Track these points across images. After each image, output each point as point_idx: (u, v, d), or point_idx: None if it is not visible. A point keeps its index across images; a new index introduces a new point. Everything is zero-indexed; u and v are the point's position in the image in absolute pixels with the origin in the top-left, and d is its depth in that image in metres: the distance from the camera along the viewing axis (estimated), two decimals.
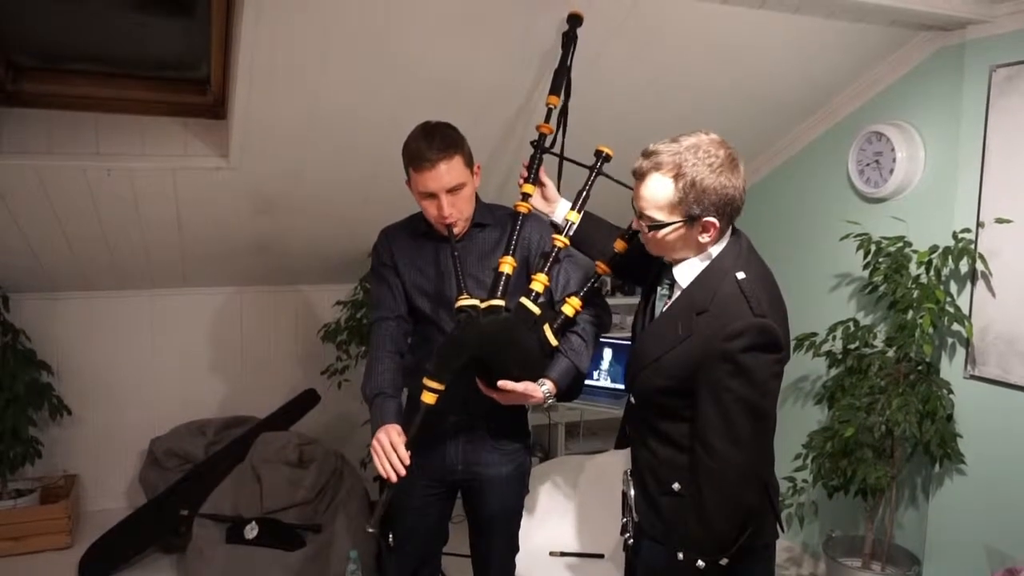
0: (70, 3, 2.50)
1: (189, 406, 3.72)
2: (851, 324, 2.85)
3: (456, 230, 1.87)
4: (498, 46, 2.36)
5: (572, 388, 1.88)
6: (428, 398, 1.74)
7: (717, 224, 1.49)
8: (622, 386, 3.53)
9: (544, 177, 2.00)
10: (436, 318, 1.95)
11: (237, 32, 2.16)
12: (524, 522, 2.17)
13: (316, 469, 3.08)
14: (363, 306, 3.41)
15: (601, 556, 2.83)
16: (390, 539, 2.08)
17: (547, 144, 2.06)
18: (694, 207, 1.47)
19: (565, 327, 1.83)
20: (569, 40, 2.19)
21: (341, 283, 3.79)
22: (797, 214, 3.32)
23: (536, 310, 1.77)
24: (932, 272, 2.61)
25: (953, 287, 2.67)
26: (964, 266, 2.63)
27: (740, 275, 1.49)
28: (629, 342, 3.11)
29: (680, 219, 1.49)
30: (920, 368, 2.69)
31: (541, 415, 3.89)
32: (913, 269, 2.68)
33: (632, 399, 1.69)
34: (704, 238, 1.52)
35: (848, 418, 2.65)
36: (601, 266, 1.85)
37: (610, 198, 2.08)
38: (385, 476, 1.72)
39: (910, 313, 2.60)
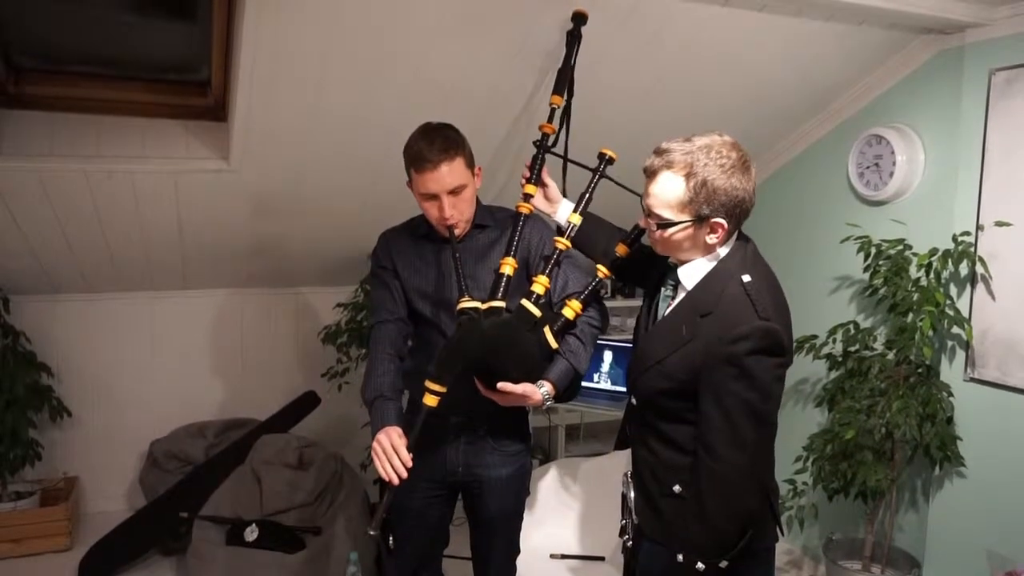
0: (72, 5, 2.51)
1: (189, 408, 3.72)
2: (851, 327, 2.85)
3: (457, 231, 1.87)
4: (499, 47, 2.36)
5: (571, 388, 1.88)
6: (430, 400, 1.74)
7: (725, 225, 1.50)
8: (622, 388, 3.53)
9: (546, 178, 2.00)
10: (436, 320, 1.95)
11: (238, 34, 2.16)
12: (524, 524, 2.17)
13: (316, 471, 3.07)
14: (363, 308, 3.41)
15: (602, 559, 2.83)
16: (390, 541, 2.08)
17: (550, 144, 2.06)
18: (704, 207, 1.47)
19: (565, 329, 1.84)
20: (573, 39, 2.19)
21: (341, 285, 3.79)
22: (797, 217, 3.33)
23: (537, 312, 1.77)
24: (932, 275, 2.61)
25: (953, 290, 2.68)
26: (964, 269, 2.63)
27: (746, 278, 1.50)
28: (630, 344, 3.11)
29: (689, 218, 1.49)
30: (920, 371, 2.69)
31: (541, 417, 3.89)
32: (913, 272, 2.68)
33: (633, 400, 1.69)
34: (711, 239, 1.52)
35: (848, 420, 2.65)
36: (601, 269, 1.85)
37: (612, 201, 2.08)
38: (387, 479, 1.71)
39: (910, 316, 2.61)
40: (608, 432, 4.21)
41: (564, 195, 2.02)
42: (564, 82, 2.16)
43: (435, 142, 1.78)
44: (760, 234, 1.69)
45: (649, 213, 1.54)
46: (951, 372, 2.70)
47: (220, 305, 3.83)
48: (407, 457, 1.72)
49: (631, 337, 1.86)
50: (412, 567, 2.10)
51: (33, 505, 3.33)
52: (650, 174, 1.53)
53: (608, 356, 3.60)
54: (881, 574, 2.76)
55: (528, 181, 1.97)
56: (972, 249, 2.58)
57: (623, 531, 1.78)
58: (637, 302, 4.06)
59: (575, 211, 1.93)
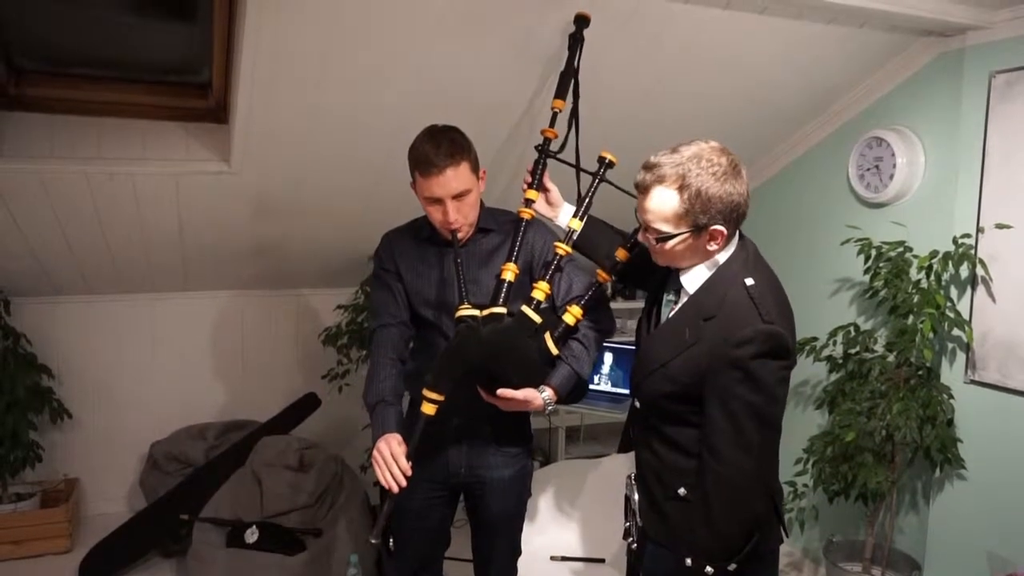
0: (73, 7, 2.51)
1: (189, 410, 3.72)
2: (852, 329, 2.85)
3: (460, 235, 1.87)
4: (501, 50, 2.36)
5: (575, 393, 1.88)
6: (428, 409, 1.74)
7: (725, 232, 1.50)
8: (623, 390, 3.53)
9: (548, 182, 2.00)
10: (439, 323, 1.95)
11: (239, 36, 2.16)
12: (525, 526, 2.17)
13: (317, 473, 3.07)
14: (364, 310, 3.41)
15: (602, 561, 2.83)
16: (391, 543, 2.08)
17: (555, 149, 2.05)
18: (701, 216, 1.47)
19: (567, 334, 1.83)
20: (576, 41, 2.19)
21: (342, 287, 3.79)
22: (797, 219, 3.33)
23: (537, 318, 1.77)
24: (932, 277, 2.62)
25: (953, 292, 2.68)
26: (964, 271, 2.63)
27: (749, 281, 1.50)
28: (630, 347, 3.11)
29: (687, 229, 1.49)
30: (920, 373, 2.69)
31: (542, 419, 3.89)
32: (913, 274, 2.68)
33: (637, 403, 1.69)
34: (712, 246, 1.52)
35: (849, 423, 2.65)
36: (601, 274, 1.85)
37: (614, 204, 2.08)
38: (387, 487, 1.72)
39: (910, 318, 2.61)
40: (608, 434, 4.21)
41: (575, 199, 2.02)
42: (567, 86, 2.15)
43: (441, 146, 1.77)
44: (760, 236, 1.69)
45: (647, 227, 1.54)
46: (951, 374, 2.70)
47: (221, 307, 3.83)
48: (406, 465, 1.72)
49: (632, 339, 1.86)
50: (413, 569, 2.10)
51: (33, 507, 3.33)
52: (643, 190, 1.52)
53: (608, 358, 3.60)
54: None
55: (530, 186, 1.96)
56: (972, 251, 2.58)
57: (627, 533, 1.78)
58: (637, 304, 4.07)
59: (575, 216, 1.93)
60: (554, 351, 1.79)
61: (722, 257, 1.55)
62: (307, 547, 2.85)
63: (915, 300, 2.61)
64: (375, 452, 1.76)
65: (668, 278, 1.67)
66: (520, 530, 2.14)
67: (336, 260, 3.61)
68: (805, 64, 2.77)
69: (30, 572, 3.16)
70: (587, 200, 1.95)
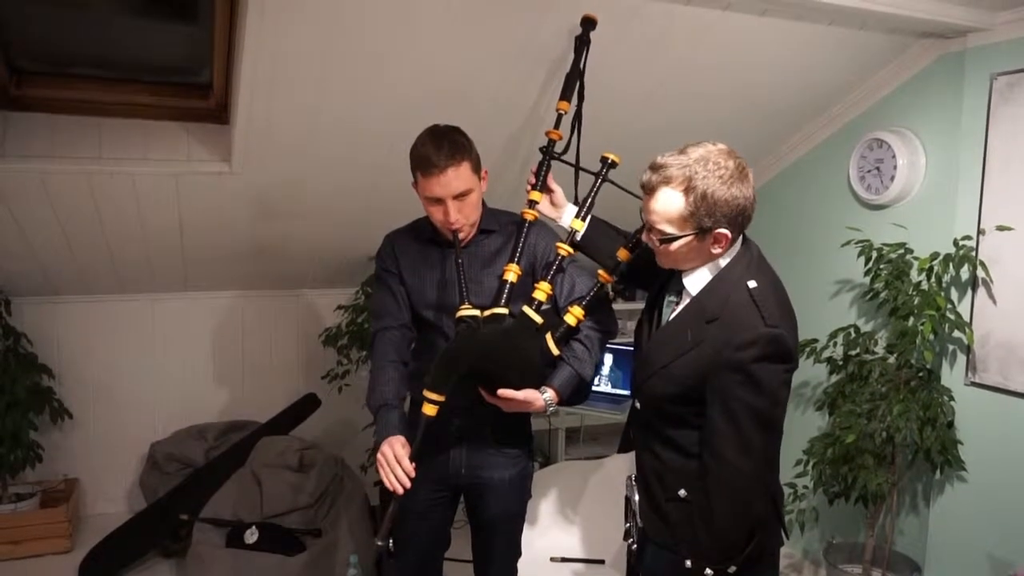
0: (74, 8, 2.51)
1: (190, 410, 3.72)
2: (852, 330, 2.85)
3: (461, 236, 1.87)
4: (502, 51, 2.37)
5: (577, 394, 1.88)
6: (429, 410, 1.74)
7: (729, 235, 1.49)
8: (623, 391, 3.52)
9: (552, 183, 2.00)
10: (440, 324, 1.95)
11: (240, 37, 2.16)
12: (525, 527, 2.17)
13: (316, 474, 3.07)
14: (364, 311, 3.41)
15: (602, 562, 2.83)
16: (390, 544, 2.08)
17: (558, 150, 2.05)
18: (705, 219, 1.47)
19: (568, 335, 1.83)
20: (582, 44, 2.19)
21: (342, 287, 3.79)
22: (798, 220, 3.33)
23: (538, 319, 1.77)
24: (933, 279, 2.61)
25: (954, 294, 2.68)
26: (965, 273, 2.63)
27: (752, 284, 1.49)
28: (631, 348, 3.10)
29: (692, 232, 1.49)
30: (921, 375, 2.69)
31: (541, 420, 3.88)
32: (914, 276, 2.68)
33: (637, 404, 1.69)
34: (716, 249, 1.51)
35: (849, 424, 2.65)
36: (603, 274, 1.85)
37: (617, 205, 2.08)
38: (392, 489, 1.72)
39: (911, 320, 2.61)
40: (608, 435, 4.21)
41: (575, 201, 2.02)
42: (572, 87, 2.15)
43: (442, 146, 1.77)
44: (761, 237, 1.69)
45: (651, 228, 1.54)
46: (952, 376, 2.70)
47: (221, 307, 3.83)
48: (410, 468, 1.73)
49: (631, 340, 1.86)
50: (413, 569, 2.10)
51: (33, 507, 3.33)
52: (648, 190, 1.52)
53: (608, 359, 3.59)
54: None
55: (533, 187, 1.96)
56: (973, 253, 2.58)
57: (627, 534, 1.78)
58: (637, 305, 4.06)
59: (577, 216, 1.93)
60: (555, 351, 1.79)
61: (725, 259, 1.55)
62: (307, 547, 2.85)
63: (916, 302, 2.60)
64: (379, 455, 1.76)
65: (670, 279, 1.67)
66: (520, 531, 2.14)
67: (336, 260, 3.61)
68: (806, 66, 2.77)
69: (30, 572, 3.16)
70: (589, 200, 1.95)
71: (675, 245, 1.52)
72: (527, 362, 1.75)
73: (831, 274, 3.15)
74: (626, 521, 1.80)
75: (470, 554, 2.16)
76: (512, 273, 1.82)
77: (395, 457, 1.73)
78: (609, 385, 3.59)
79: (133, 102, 2.72)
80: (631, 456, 1.81)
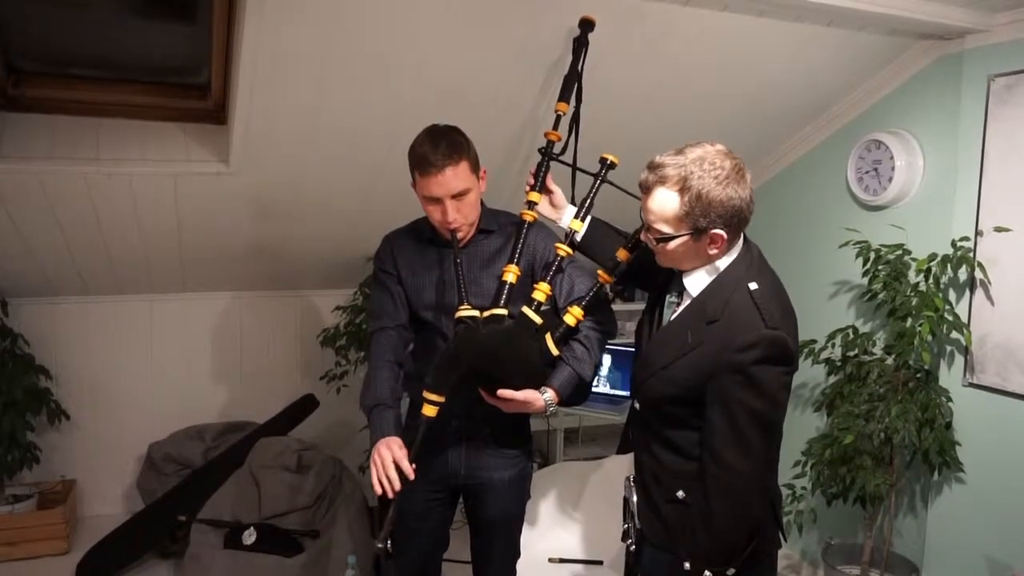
0: (72, 8, 2.50)
1: (188, 411, 3.71)
2: (850, 331, 2.85)
3: (460, 235, 1.87)
4: (501, 51, 2.37)
5: (577, 395, 1.88)
6: (429, 411, 1.74)
7: (724, 236, 1.49)
8: (622, 392, 3.53)
9: (551, 184, 2.00)
10: (439, 325, 1.95)
11: (238, 37, 2.16)
12: (524, 527, 2.17)
13: (315, 475, 3.07)
14: (363, 311, 3.41)
15: (600, 563, 2.83)
16: (389, 545, 2.07)
17: (557, 151, 2.06)
18: (700, 219, 1.47)
19: (568, 335, 1.83)
20: (580, 45, 2.19)
21: (341, 288, 3.78)
22: (796, 221, 3.33)
23: (537, 319, 1.77)
24: (931, 280, 2.62)
25: (952, 295, 2.68)
26: (963, 274, 2.63)
27: (753, 286, 1.49)
28: (629, 348, 3.10)
29: (687, 231, 1.49)
30: (919, 376, 2.69)
31: (539, 421, 3.88)
32: (912, 277, 2.68)
33: (637, 405, 1.69)
34: (712, 250, 1.52)
35: (847, 425, 2.65)
36: (603, 275, 1.85)
37: (616, 206, 2.08)
38: (380, 492, 1.71)
39: (909, 321, 2.61)
40: (606, 436, 4.21)
41: (572, 202, 2.02)
42: (571, 89, 2.15)
43: (440, 146, 1.78)
44: (759, 238, 1.69)
45: (648, 228, 1.54)
46: (950, 377, 2.70)
47: (219, 308, 3.82)
48: (408, 469, 1.72)
49: (630, 341, 1.86)
50: (412, 570, 2.10)
51: (31, 508, 3.32)
52: (645, 189, 1.52)
53: (607, 360, 3.59)
54: None
55: (532, 188, 1.96)
56: (971, 254, 2.58)
57: (625, 535, 1.78)
58: (636, 306, 4.07)
59: (576, 217, 1.93)
60: (555, 351, 1.79)
61: (726, 261, 1.55)
62: (305, 548, 2.85)
63: (914, 303, 2.61)
64: (374, 455, 1.75)
65: (671, 280, 1.67)
66: (519, 532, 2.14)
67: (335, 261, 3.61)
68: (804, 67, 2.78)
69: (27, 574, 3.15)
70: (588, 201, 1.95)
71: (671, 245, 1.52)
72: (527, 362, 1.75)
73: (829, 275, 3.15)
74: (624, 522, 1.80)
75: (469, 555, 2.16)
76: (511, 274, 1.82)
77: (393, 459, 1.72)
78: (608, 386, 3.59)
79: (131, 102, 2.72)
80: (630, 457, 1.81)
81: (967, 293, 2.64)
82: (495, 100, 2.58)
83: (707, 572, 1.49)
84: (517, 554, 2.16)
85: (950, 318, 2.59)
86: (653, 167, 1.50)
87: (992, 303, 2.57)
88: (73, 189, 2.71)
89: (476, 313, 1.75)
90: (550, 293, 1.84)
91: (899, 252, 2.73)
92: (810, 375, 3.18)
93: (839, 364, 2.87)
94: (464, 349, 1.71)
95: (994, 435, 2.57)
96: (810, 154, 3.28)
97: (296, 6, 2.00)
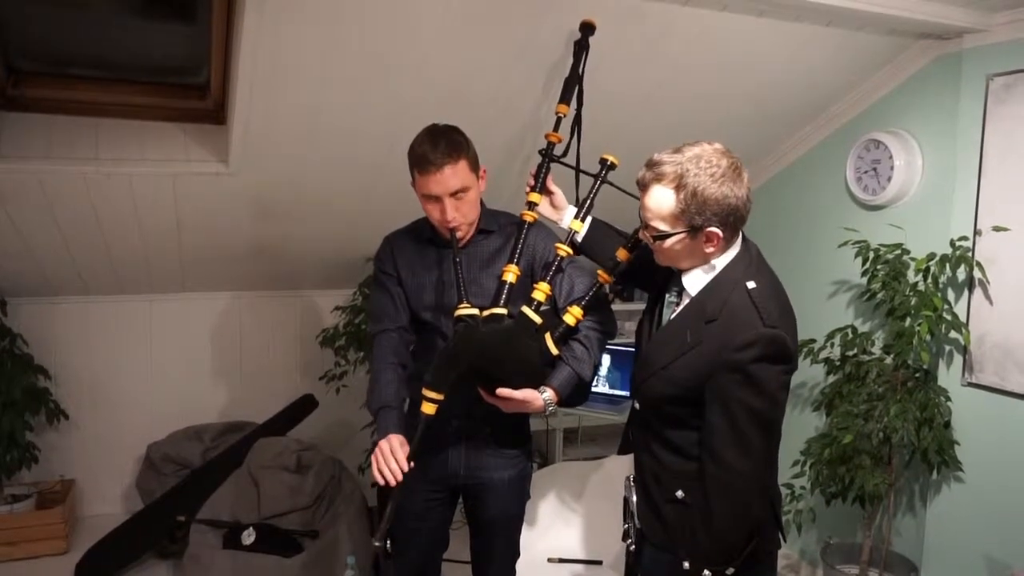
0: (71, 8, 2.50)
1: (187, 411, 3.71)
2: (849, 331, 2.85)
3: (459, 234, 1.87)
4: (501, 52, 2.37)
5: (577, 394, 1.88)
6: (428, 408, 1.74)
7: (720, 234, 1.49)
8: (621, 392, 3.53)
9: (552, 185, 2.00)
10: (439, 325, 1.95)
11: (238, 37, 2.16)
12: (523, 528, 2.17)
13: (314, 475, 3.07)
14: (362, 311, 3.41)
15: (599, 563, 2.83)
16: (388, 545, 2.08)
17: (558, 153, 2.06)
18: (696, 217, 1.47)
19: (567, 335, 1.83)
20: (581, 48, 2.20)
21: (340, 288, 3.78)
22: (795, 221, 3.33)
23: (537, 319, 1.77)
24: (930, 279, 2.62)
25: (951, 295, 2.68)
26: (962, 274, 2.64)
27: (751, 284, 1.50)
28: (629, 348, 3.10)
29: (683, 229, 1.49)
30: (918, 375, 2.70)
31: (539, 421, 3.89)
32: (911, 276, 2.68)
33: (637, 405, 1.69)
34: (708, 248, 1.52)
35: (846, 425, 2.65)
36: (602, 275, 1.85)
37: (616, 207, 2.08)
38: (382, 482, 1.73)
39: (908, 320, 2.61)
40: (606, 436, 4.21)
41: (575, 204, 2.02)
42: (571, 91, 2.15)
43: (439, 145, 1.79)
44: (758, 238, 1.69)
45: (646, 225, 1.55)
46: (949, 377, 2.71)
47: (218, 308, 3.82)
48: (403, 461, 1.73)
49: (629, 341, 1.87)
50: (412, 570, 2.10)
51: (30, 508, 3.32)
52: (642, 187, 1.53)
53: (607, 360, 3.60)
54: None
55: (532, 189, 1.97)
56: (970, 254, 2.59)
57: (626, 535, 1.78)
58: (635, 306, 4.07)
59: (576, 217, 1.94)
60: (554, 351, 1.79)
61: (725, 260, 1.55)
62: (304, 549, 2.85)
63: (912, 302, 2.61)
64: (376, 449, 1.77)
65: (670, 279, 1.67)
66: (519, 532, 2.14)
67: (334, 261, 3.61)
68: (803, 67, 2.78)
69: (26, 574, 3.15)
70: (588, 201, 1.95)
71: (667, 243, 1.52)
72: (526, 362, 1.75)
73: (828, 275, 3.16)
74: (624, 522, 1.80)
75: (468, 555, 2.16)
76: (511, 274, 1.82)
77: (391, 451, 1.74)
78: (607, 386, 3.59)
79: (130, 102, 2.72)
80: (630, 457, 1.81)
81: (966, 293, 2.64)
82: (495, 100, 2.58)
83: (706, 572, 1.49)
84: (517, 554, 2.16)
85: (949, 318, 2.60)
86: (651, 165, 1.51)
87: (991, 302, 2.57)
88: (72, 189, 2.70)
89: (475, 311, 1.76)
90: (550, 293, 1.84)
91: (898, 252, 2.73)
92: (809, 375, 3.19)
93: (838, 364, 2.87)
94: (463, 347, 1.72)
95: (993, 434, 2.58)
96: (809, 154, 3.28)
97: (296, 6, 2.00)
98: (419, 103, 2.47)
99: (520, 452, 2.05)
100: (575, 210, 1.98)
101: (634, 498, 1.72)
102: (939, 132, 2.73)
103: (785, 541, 1.72)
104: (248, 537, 2.81)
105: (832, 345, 2.88)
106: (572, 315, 1.81)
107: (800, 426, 3.24)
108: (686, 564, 1.52)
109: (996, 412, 2.57)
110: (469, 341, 1.72)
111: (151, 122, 2.72)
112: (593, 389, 3.55)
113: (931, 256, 2.63)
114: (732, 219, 1.50)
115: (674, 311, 1.62)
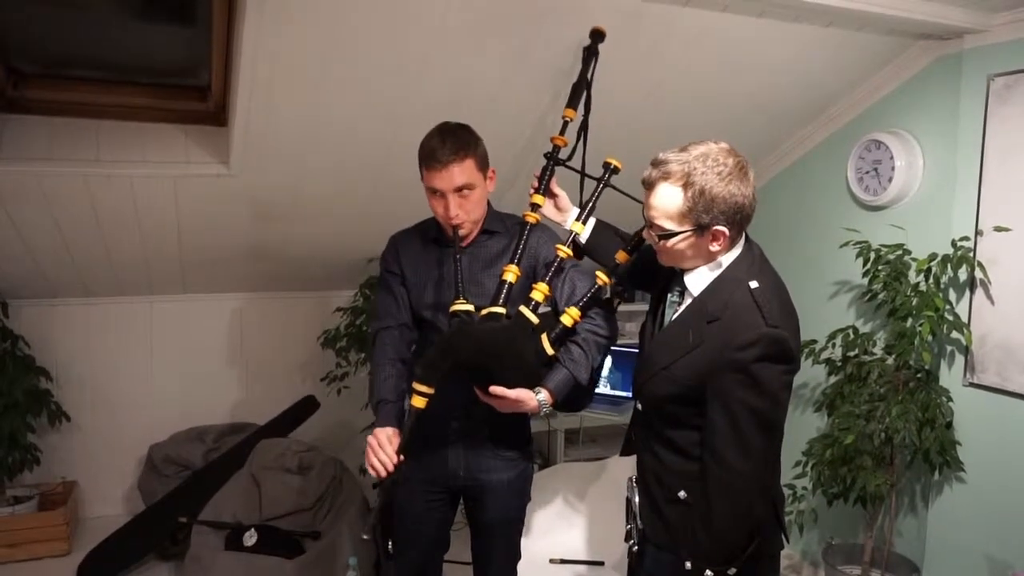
0: (72, 10, 2.50)
1: (188, 413, 3.71)
2: (850, 331, 2.85)
3: (462, 232, 1.88)
4: (503, 56, 2.36)
5: (576, 398, 1.88)
6: (418, 402, 1.74)
7: (727, 233, 1.50)
8: (623, 393, 3.53)
9: (556, 187, 2.01)
10: (437, 323, 1.95)
11: (238, 39, 2.16)
12: (524, 529, 2.17)
13: (315, 476, 3.07)
14: (363, 312, 3.41)
15: (601, 563, 2.83)
16: (389, 546, 2.08)
17: (563, 157, 2.06)
18: (703, 216, 1.47)
19: (564, 336, 1.83)
20: (590, 55, 2.20)
21: (341, 289, 3.78)
22: (796, 221, 3.33)
23: (534, 319, 1.77)
24: (931, 280, 2.62)
25: (952, 295, 2.68)
26: (963, 274, 2.63)
27: (753, 284, 1.50)
28: (630, 349, 3.10)
29: (690, 228, 1.49)
30: (919, 376, 2.69)
31: (540, 422, 3.89)
32: (912, 277, 2.68)
33: (639, 405, 1.69)
34: (714, 247, 1.52)
35: (848, 425, 2.65)
36: (601, 276, 1.85)
37: (619, 209, 2.08)
38: (374, 472, 1.74)
39: (909, 321, 2.61)
40: (608, 437, 4.20)
41: (579, 207, 2.02)
42: (579, 96, 2.16)
43: (447, 142, 1.80)
44: (759, 238, 1.69)
45: (651, 224, 1.54)
46: (950, 377, 2.70)
47: (219, 309, 3.82)
48: (392, 452, 1.75)
49: (630, 342, 1.87)
50: (412, 571, 2.10)
51: (31, 510, 3.32)
52: (648, 186, 1.53)
53: (608, 361, 3.59)
54: None
55: (536, 191, 1.97)
56: (971, 254, 2.58)
57: (628, 536, 1.78)
58: (634, 307, 4.06)
59: (577, 219, 1.94)
60: (550, 351, 1.79)
61: (728, 259, 1.55)
62: (306, 550, 2.85)
63: (914, 303, 2.61)
64: (368, 439, 1.80)
65: (672, 280, 1.67)
66: (519, 533, 2.14)
67: (335, 262, 3.61)
68: (804, 67, 2.78)
69: (28, 575, 3.15)
70: (590, 204, 1.95)
71: (673, 241, 1.52)
72: (521, 361, 1.75)
73: (829, 275, 3.15)
74: (627, 523, 1.80)
75: (469, 556, 2.16)
76: (511, 273, 1.82)
77: (380, 443, 1.76)
78: (609, 387, 3.59)
79: (131, 104, 2.72)
80: (631, 458, 1.81)
81: (967, 293, 2.64)
82: (495, 102, 2.58)
83: (708, 572, 1.49)
84: (517, 556, 2.16)
85: (950, 318, 2.59)
86: (657, 163, 1.51)
87: (992, 303, 2.57)
88: (73, 191, 2.71)
89: (471, 308, 1.76)
90: (549, 294, 1.84)
91: (899, 252, 2.73)
92: (810, 375, 3.18)
93: (839, 364, 2.87)
94: (457, 341, 1.72)
95: (994, 435, 2.57)
96: (810, 154, 3.28)
97: (296, 8, 2.00)
98: (419, 105, 2.47)
99: (520, 454, 2.05)
100: (579, 212, 1.98)
101: (636, 498, 1.72)
102: (940, 132, 2.72)
103: (788, 542, 1.71)
104: (249, 538, 2.81)
105: (833, 346, 2.88)
106: (569, 316, 1.81)
107: (802, 427, 3.24)
108: (688, 564, 1.52)
109: (998, 412, 2.56)
110: (463, 335, 1.72)
111: (152, 124, 2.72)
112: (595, 390, 3.57)
113: (932, 256, 2.63)
114: (739, 217, 1.50)
115: (676, 311, 1.62)
